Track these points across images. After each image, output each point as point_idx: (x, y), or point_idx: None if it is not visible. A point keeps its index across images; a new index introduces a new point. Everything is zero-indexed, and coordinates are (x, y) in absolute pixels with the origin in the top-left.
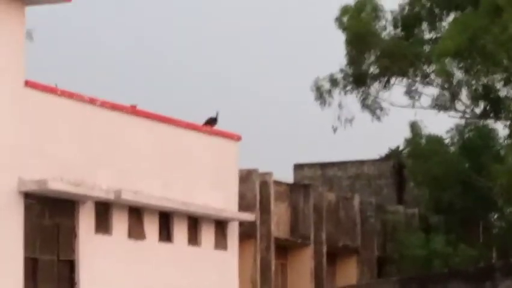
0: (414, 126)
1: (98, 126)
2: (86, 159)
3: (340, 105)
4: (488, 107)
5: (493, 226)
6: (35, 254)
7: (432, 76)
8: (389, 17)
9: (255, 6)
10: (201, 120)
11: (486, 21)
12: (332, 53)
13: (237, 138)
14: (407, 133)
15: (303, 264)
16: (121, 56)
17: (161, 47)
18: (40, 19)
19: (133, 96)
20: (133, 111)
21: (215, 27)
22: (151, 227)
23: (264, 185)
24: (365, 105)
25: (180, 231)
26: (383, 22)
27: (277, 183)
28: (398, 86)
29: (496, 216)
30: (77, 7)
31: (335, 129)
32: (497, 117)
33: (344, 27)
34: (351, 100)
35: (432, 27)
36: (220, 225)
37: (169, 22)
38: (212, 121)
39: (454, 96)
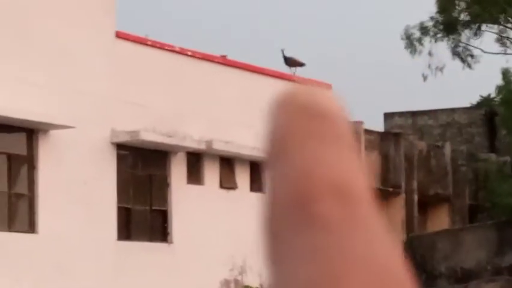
0: (506, 73)
1: (189, 76)
2: (178, 110)
3: (430, 53)
4: None
5: None
6: (129, 204)
7: None
8: None
9: None
10: (292, 71)
11: None
12: (423, 1)
13: (327, 87)
14: (498, 80)
15: (395, 213)
16: (209, 7)
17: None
18: None
19: (223, 47)
20: (224, 61)
21: None
22: (243, 176)
23: (355, 133)
24: (455, 53)
25: None
26: None
27: (368, 131)
28: (489, 33)
29: None
30: None
31: (425, 78)
32: None
33: None
34: (442, 48)
35: None
36: None
37: None
38: (298, 63)
39: None
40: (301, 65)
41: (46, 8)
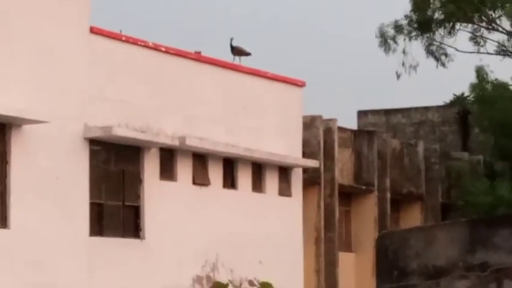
0: (480, 71)
1: (163, 72)
2: (151, 106)
3: (404, 52)
4: None
5: None
6: (101, 200)
7: (498, 21)
8: None
9: None
10: (269, 68)
11: None
12: None
13: (301, 84)
14: (472, 79)
15: (367, 211)
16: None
17: None
18: None
19: (197, 43)
20: (198, 57)
21: None
22: (216, 173)
23: (328, 131)
24: (429, 51)
25: (244, 177)
26: None
27: (342, 129)
28: (463, 32)
29: None
30: None
31: (399, 76)
32: None
33: None
34: (416, 46)
35: None
36: (284, 172)
37: None
38: (244, 53)
39: None
40: (247, 54)
41: (20, 4)
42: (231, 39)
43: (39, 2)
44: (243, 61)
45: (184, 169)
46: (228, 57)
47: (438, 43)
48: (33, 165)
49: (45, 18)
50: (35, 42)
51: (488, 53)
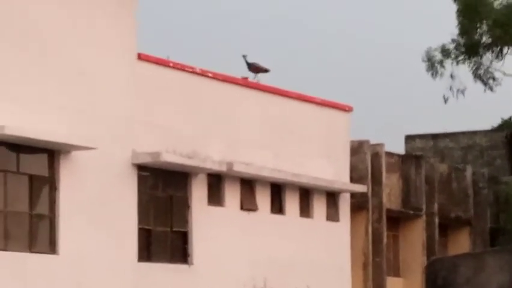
0: None
1: (210, 98)
2: (199, 132)
3: (452, 76)
4: None
5: None
6: (149, 225)
7: None
8: None
9: None
10: (315, 93)
11: None
12: (444, 23)
13: (348, 109)
14: None
15: (415, 236)
16: (231, 26)
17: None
18: None
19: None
20: (245, 83)
21: None
22: (263, 198)
23: (376, 156)
24: (477, 75)
25: (292, 202)
26: None
27: (389, 154)
28: (511, 56)
29: None
30: None
31: (446, 100)
32: None
33: None
34: (463, 70)
35: None
36: (332, 197)
37: None
38: (262, 69)
39: None
40: (265, 71)
41: (68, 31)
42: (245, 56)
43: (86, 29)
44: (261, 78)
45: (231, 194)
46: (274, 82)
47: (485, 67)
48: (81, 191)
49: (93, 46)
50: (83, 70)
51: None
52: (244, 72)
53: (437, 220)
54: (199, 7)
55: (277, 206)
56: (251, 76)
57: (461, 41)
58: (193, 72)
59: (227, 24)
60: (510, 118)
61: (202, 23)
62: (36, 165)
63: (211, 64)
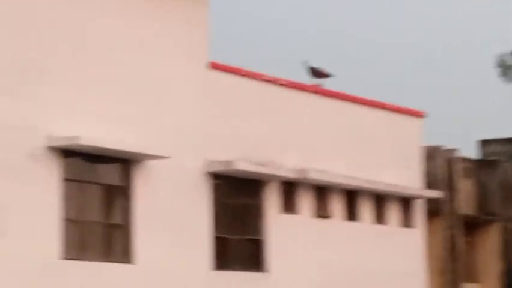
0: None
1: (281, 106)
2: (271, 139)
3: None
4: None
5: None
6: (223, 233)
7: None
8: None
9: None
10: (385, 99)
11: None
12: None
13: (421, 115)
14: None
15: (491, 242)
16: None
17: (340, 24)
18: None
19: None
20: (316, 90)
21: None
22: (337, 205)
23: (450, 161)
24: None
25: (365, 209)
26: None
27: (464, 159)
28: None
29: None
30: None
31: None
32: None
33: None
34: None
35: None
36: (406, 203)
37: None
38: (324, 74)
39: None
40: (327, 76)
41: (138, 41)
42: (306, 62)
43: (157, 40)
44: (325, 83)
45: (305, 202)
46: (347, 88)
47: None
48: (155, 200)
49: (164, 55)
50: (154, 79)
51: None
52: (306, 78)
53: None
54: (257, 14)
55: (351, 213)
56: (320, 82)
57: None
58: (264, 79)
59: (286, 33)
60: None
61: (262, 31)
62: (111, 174)
63: (273, 70)
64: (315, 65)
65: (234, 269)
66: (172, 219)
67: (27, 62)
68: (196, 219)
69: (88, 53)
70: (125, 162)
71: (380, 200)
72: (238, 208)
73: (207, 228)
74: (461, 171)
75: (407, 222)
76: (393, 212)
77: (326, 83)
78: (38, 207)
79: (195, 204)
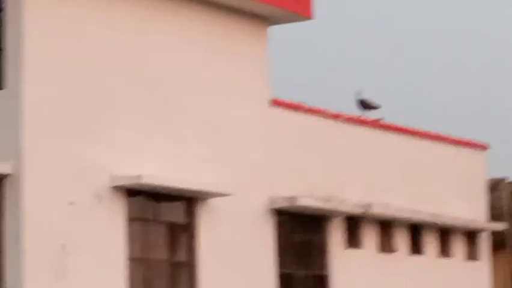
0: None
1: (343, 141)
2: (334, 175)
3: None
4: None
5: None
6: (288, 270)
7: None
8: None
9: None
10: (445, 131)
11: None
12: None
13: (485, 148)
14: None
15: None
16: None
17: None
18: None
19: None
20: (378, 125)
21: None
22: (401, 239)
23: None
24: None
25: (430, 243)
26: None
27: None
28: None
29: None
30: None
31: None
32: None
33: None
34: None
35: None
36: (471, 236)
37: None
38: (371, 106)
39: None
40: (376, 108)
41: (200, 79)
42: (358, 93)
43: (219, 77)
44: (372, 114)
45: (369, 237)
46: (408, 122)
47: None
48: (220, 238)
49: (226, 93)
50: (216, 117)
51: None
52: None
53: None
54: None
55: (416, 247)
56: (369, 115)
57: None
58: (326, 116)
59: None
60: None
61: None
62: (174, 213)
63: (327, 104)
64: (365, 97)
65: None
66: (236, 256)
67: (95, 104)
68: (261, 256)
69: (153, 94)
70: (189, 200)
71: (444, 233)
72: (302, 244)
73: (271, 264)
74: None
75: (471, 255)
76: (458, 245)
77: (386, 116)
78: (104, 247)
79: (259, 240)
